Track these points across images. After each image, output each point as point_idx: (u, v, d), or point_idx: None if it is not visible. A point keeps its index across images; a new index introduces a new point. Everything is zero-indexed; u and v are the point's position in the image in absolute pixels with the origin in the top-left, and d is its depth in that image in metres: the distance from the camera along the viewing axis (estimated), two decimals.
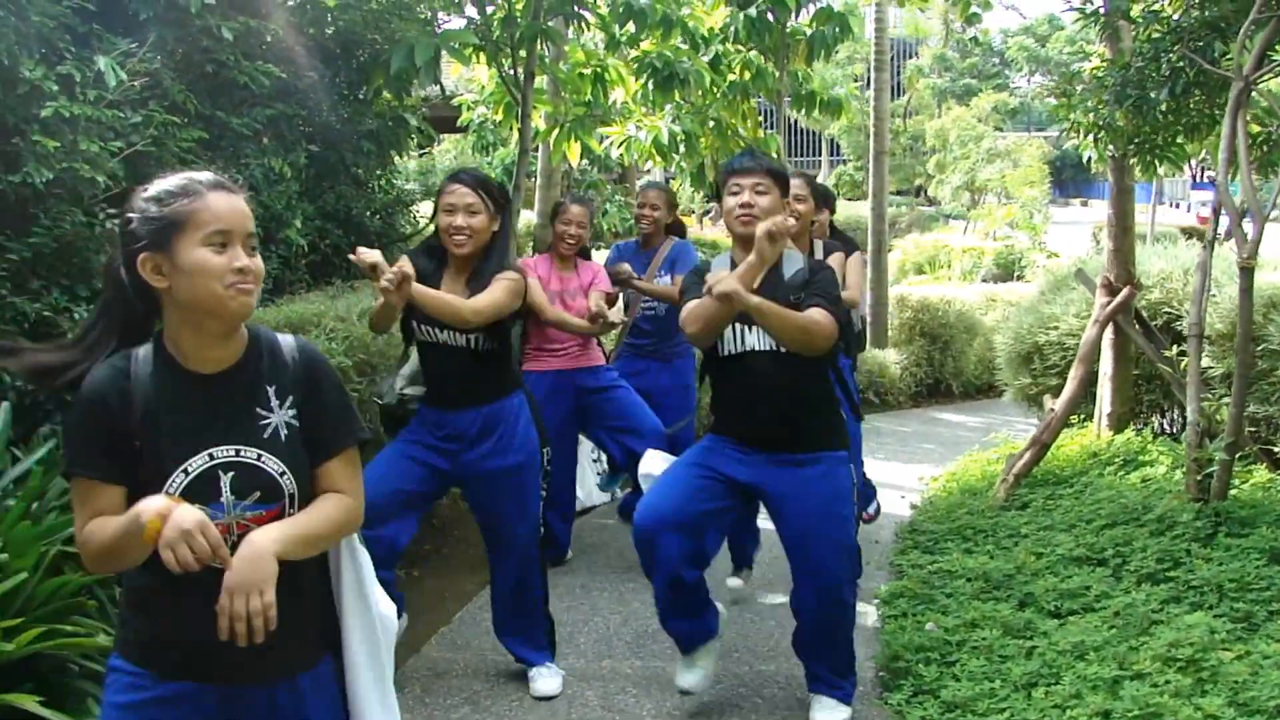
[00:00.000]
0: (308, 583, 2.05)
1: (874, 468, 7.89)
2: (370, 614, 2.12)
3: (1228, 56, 4.70)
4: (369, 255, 3.26)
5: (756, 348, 3.43)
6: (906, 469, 7.94)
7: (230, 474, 1.90)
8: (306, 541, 1.93)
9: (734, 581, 4.92)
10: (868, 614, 4.73)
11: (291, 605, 1.94)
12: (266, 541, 1.85)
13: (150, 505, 1.74)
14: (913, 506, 6.55)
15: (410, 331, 3.78)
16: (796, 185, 4.67)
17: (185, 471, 1.88)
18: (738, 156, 3.61)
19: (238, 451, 1.91)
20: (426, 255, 3.71)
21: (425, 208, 7.85)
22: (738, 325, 3.43)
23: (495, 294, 3.55)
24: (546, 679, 3.91)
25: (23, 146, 3.71)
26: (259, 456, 1.93)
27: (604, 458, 5.73)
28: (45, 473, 3.25)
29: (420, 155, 17.58)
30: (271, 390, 1.98)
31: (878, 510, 6.13)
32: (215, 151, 4.74)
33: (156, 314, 1.96)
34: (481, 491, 3.83)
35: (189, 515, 1.73)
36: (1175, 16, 5.02)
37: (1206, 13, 4.82)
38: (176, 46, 4.69)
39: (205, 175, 1.94)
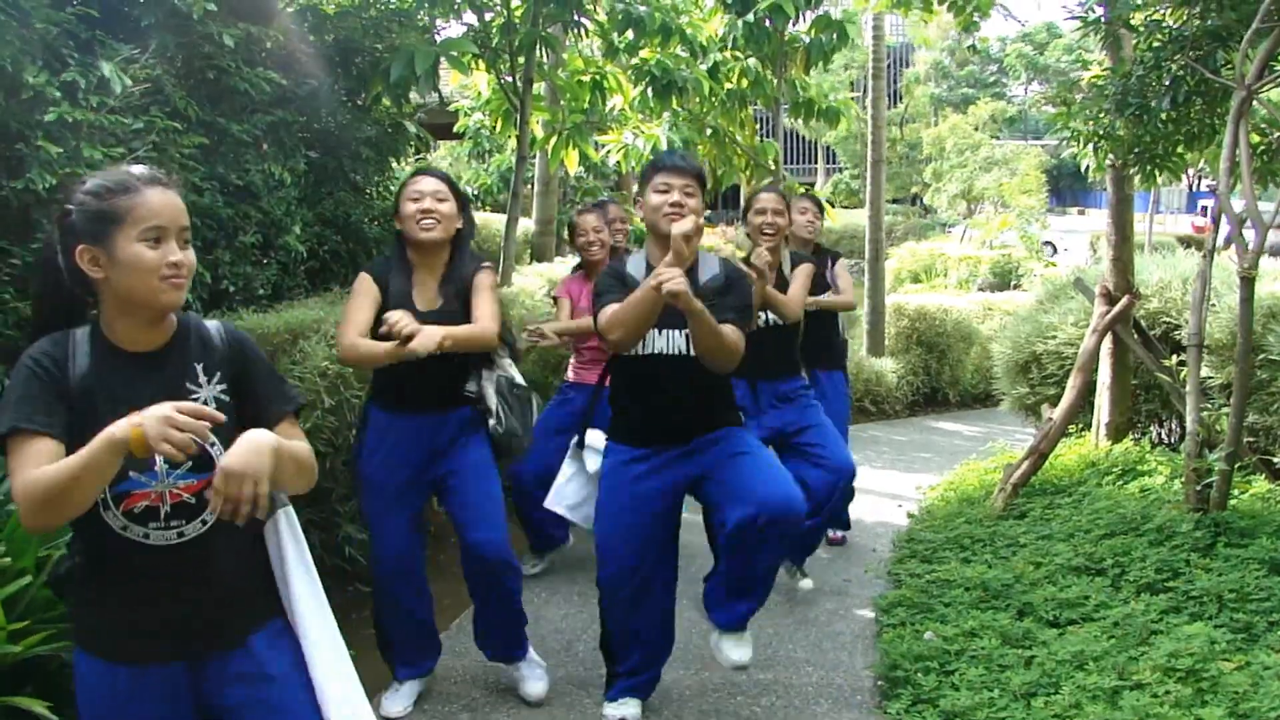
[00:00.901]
0: (250, 556, 2.16)
1: (871, 477, 7.91)
2: (315, 580, 2.19)
3: (1229, 66, 4.71)
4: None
5: (665, 352, 3.42)
6: (904, 478, 7.94)
7: None
8: (293, 456, 2.06)
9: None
10: (866, 622, 4.73)
11: (238, 580, 2.12)
12: (267, 436, 1.95)
13: (117, 425, 1.79)
14: (910, 515, 6.55)
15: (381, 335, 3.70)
16: (773, 200, 4.69)
17: None
18: (668, 153, 3.56)
19: None
20: (391, 267, 3.63)
21: None
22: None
23: (490, 303, 3.58)
24: (535, 681, 3.90)
25: (26, 152, 3.71)
26: None
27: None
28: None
29: (416, 160, 17.57)
30: (199, 367, 2.10)
31: (844, 540, 6.08)
32: (215, 157, 4.73)
33: (93, 299, 2.05)
34: (445, 499, 3.81)
35: (160, 408, 1.80)
36: (1177, 25, 5.03)
37: (1208, 22, 4.83)
38: (178, 53, 4.69)
39: (142, 170, 2.04)
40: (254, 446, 1.92)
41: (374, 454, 3.70)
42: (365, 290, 3.56)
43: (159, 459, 1.97)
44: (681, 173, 3.40)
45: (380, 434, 3.70)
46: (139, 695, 2.05)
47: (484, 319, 3.54)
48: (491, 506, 3.70)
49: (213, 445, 2.01)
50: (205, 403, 2.05)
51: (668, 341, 3.42)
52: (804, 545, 4.95)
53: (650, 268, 3.39)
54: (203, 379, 2.09)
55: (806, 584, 5.06)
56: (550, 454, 4.66)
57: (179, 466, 2.00)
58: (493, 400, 3.73)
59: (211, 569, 2.09)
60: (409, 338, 3.26)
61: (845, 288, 5.51)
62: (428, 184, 3.58)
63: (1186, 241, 17.51)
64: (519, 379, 3.84)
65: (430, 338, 3.28)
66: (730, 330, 3.26)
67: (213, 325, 2.17)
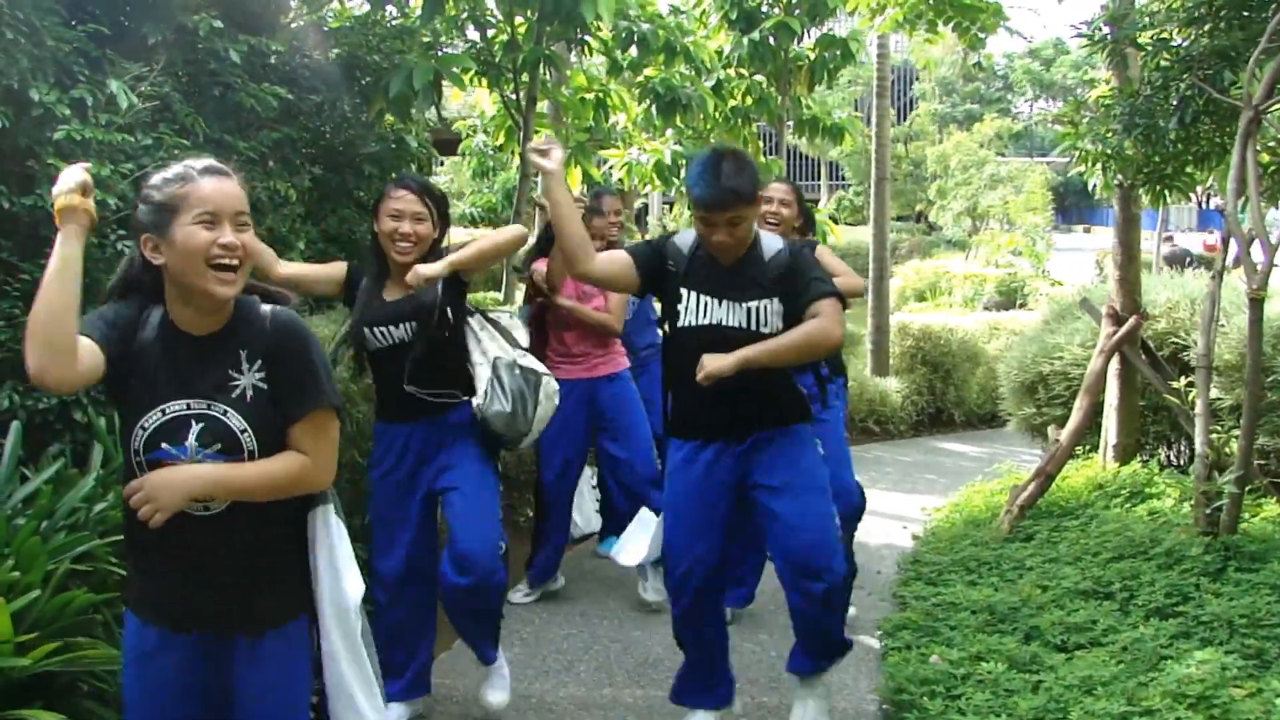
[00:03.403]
0: (278, 545, 2.26)
1: (875, 498, 7.85)
2: (339, 585, 2.29)
3: (1237, 85, 4.69)
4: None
5: (726, 322, 3.31)
6: (908, 499, 7.91)
7: (200, 424, 2.13)
8: (231, 487, 2.13)
9: None
10: (870, 645, 4.69)
11: (258, 564, 2.23)
12: (189, 478, 2.08)
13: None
14: (915, 537, 6.52)
15: (360, 344, 3.68)
16: (782, 190, 4.65)
17: (163, 412, 2.13)
18: (706, 187, 3.35)
19: (209, 405, 2.14)
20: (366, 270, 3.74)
21: None
22: (701, 296, 3.34)
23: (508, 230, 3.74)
24: (497, 690, 3.84)
25: (37, 169, 3.72)
26: (225, 412, 2.14)
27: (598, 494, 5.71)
28: (54, 491, 3.25)
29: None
30: (244, 354, 2.19)
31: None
32: None
33: (159, 285, 2.19)
34: (444, 511, 3.76)
35: (71, 171, 2.01)
36: (1184, 44, 5.02)
37: (1215, 41, 4.82)
38: (185, 70, 4.70)
39: (200, 162, 2.19)
40: (175, 482, 2.06)
41: (377, 466, 3.73)
42: (332, 266, 3.77)
43: (191, 437, 2.11)
44: (724, 207, 3.23)
45: (381, 445, 3.73)
46: (162, 653, 2.21)
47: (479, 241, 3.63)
48: (481, 518, 3.63)
49: (244, 432, 2.14)
50: (244, 390, 2.17)
51: (729, 312, 3.32)
52: None
53: (702, 247, 3.38)
54: (245, 365, 2.19)
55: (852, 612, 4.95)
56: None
57: (209, 446, 2.12)
58: (482, 381, 3.67)
59: (235, 545, 2.19)
60: (427, 278, 3.42)
61: (841, 269, 5.25)
62: (406, 202, 3.56)
63: (1194, 261, 17.46)
64: (526, 362, 3.75)
65: (433, 268, 3.43)
66: (820, 315, 3.17)
67: (265, 311, 2.25)
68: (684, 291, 3.37)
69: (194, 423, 2.12)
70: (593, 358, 5.05)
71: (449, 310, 3.61)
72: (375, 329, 3.59)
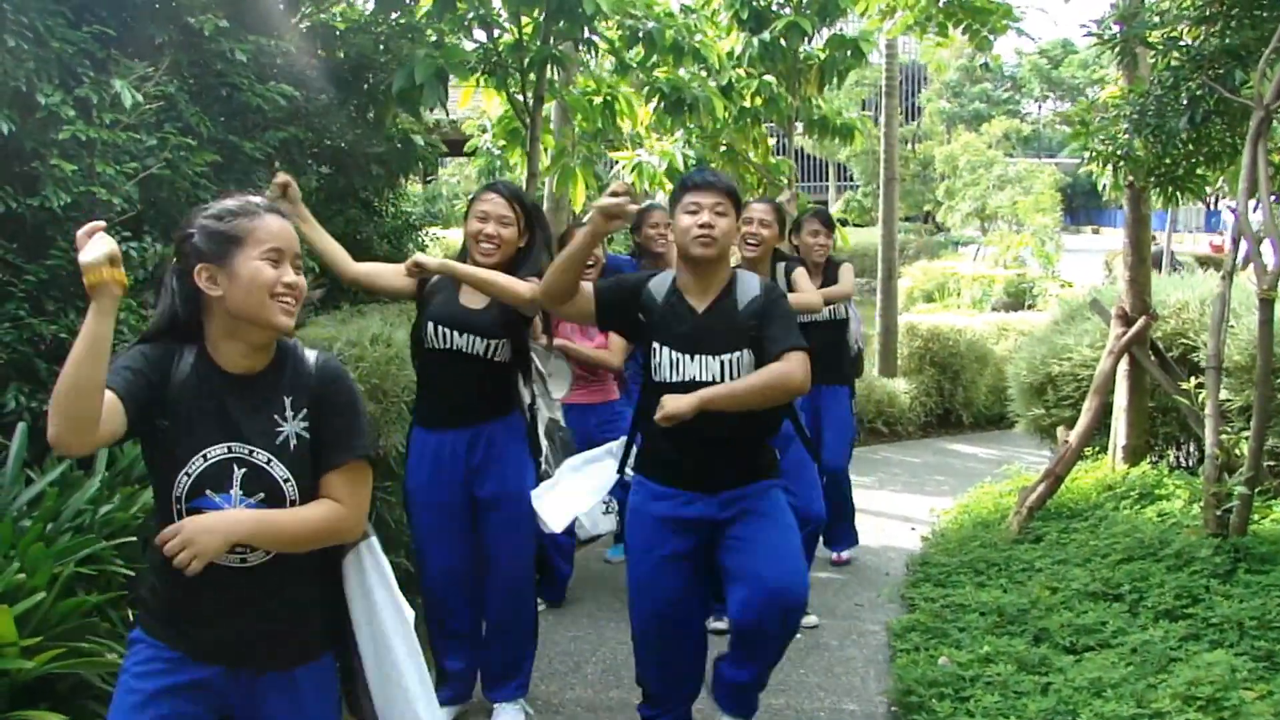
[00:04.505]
0: (308, 581, 2.22)
1: (883, 499, 7.87)
2: (377, 617, 2.26)
3: (1248, 85, 4.66)
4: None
5: (699, 379, 3.18)
6: (917, 500, 7.88)
7: (243, 470, 2.09)
8: (270, 535, 2.08)
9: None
10: (879, 647, 4.68)
11: (289, 602, 2.18)
12: (230, 524, 2.02)
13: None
14: (924, 539, 6.49)
15: (419, 340, 3.72)
16: (763, 210, 4.62)
17: (204, 457, 2.08)
18: (697, 171, 3.40)
19: (251, 451, 2.10)
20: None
21: (431, 232, 7.85)
22: (674, 353, 3.22)
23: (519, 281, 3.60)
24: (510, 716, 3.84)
25: (42, 170, 3.71)
26: (269, 461, 2.11)
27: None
28: (60, 494, 3.26)
29: (428, 182, 17.59)
30: (288, 401, 2.16)
31: (848, 560, 6.04)
32: (228, 175, 4.72)
33: (200, 324, 2.14)
34: (480, 524, 3.79)
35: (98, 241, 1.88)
36: (1195, 44, 4.99)
37: (1226, 40, 4.79)
38: (191, 70, 4.70)
39: (260, 199, 2.18)
40: (216, 528, 1.99)
41: (415, 473, 3.74)
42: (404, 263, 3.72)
43: (235, 484, 2.07)
44: (712, 189, 3.24)
45: (419, 452, 3.74)
46: (177, 672, 2.14)
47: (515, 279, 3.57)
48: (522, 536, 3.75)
49: (286, 481, 2.12)
50: (287, 438, 2.14)
51: (701, 368, 3.19)
52: None
53: (676, 291, 3.29)
54: (289, 413, 2.16)
55: (811, 620, 4.96)
56: None
57: (252, 495, 2.09)
58: (544, 445, 3.79)
59: (273, 596, 2.16)
60: (417, 265, 3.43)
61: (843, 278, 5.43)
62: (494, 205, 3.61)
63: (1204, 261, 17.41)
64: (559, 418, 3.88)
65: (430, 260, 3.45)
66: (786, 361, 3.07)
67: (312, 356, 2.24)
68: (657, 347, 3.26)
69: (236, 468, 2.09)
70: (587, 385, 5.07)
71: (510, 344, 3.65)
72: (439, 327, 3.62)
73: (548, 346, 4.07)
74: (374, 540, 2.30)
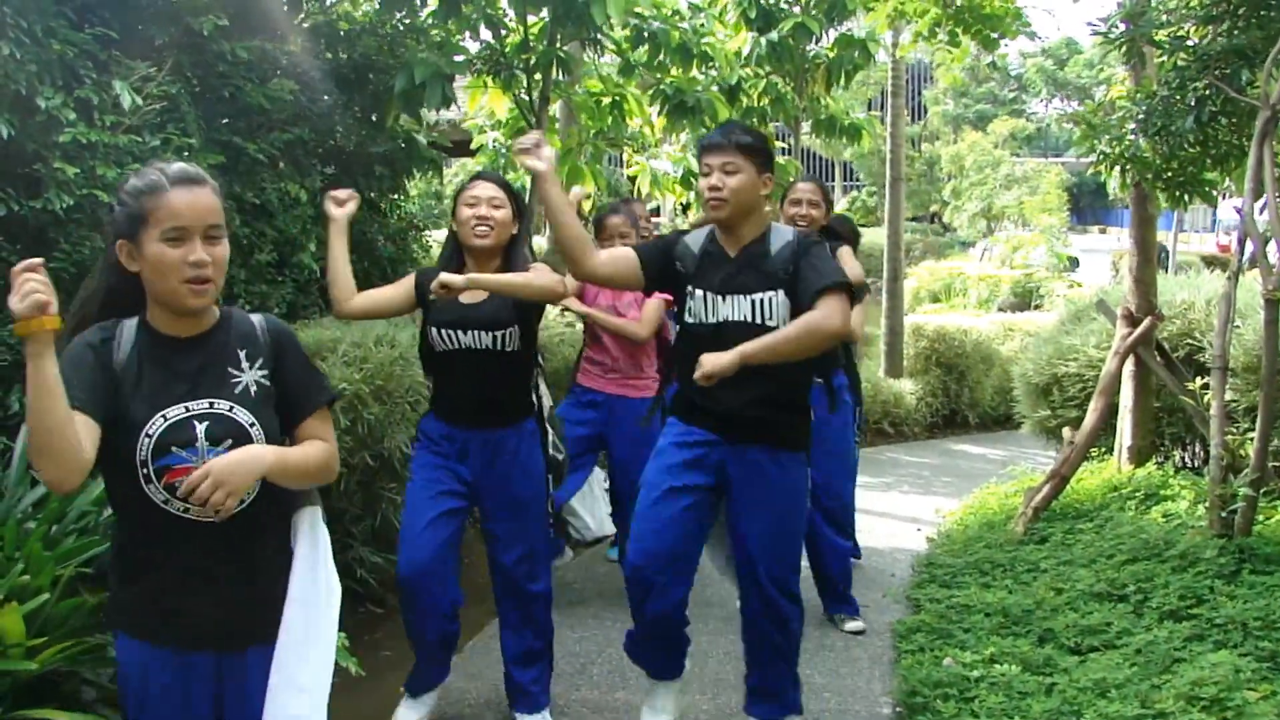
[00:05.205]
0: (271, 551, 2.23)
1: (889, 500, 7.86)
2: (315, 589, 2.23)
3: (1255, 85, 4.65)
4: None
5: (731, 318, 3.26)
6: (922, 501, 7.87)
7: (205, 423, 2.10)
8: (296, 468, 2.15)
9: None
10: (884, 648, 4.67)
11: (258, 570, 2.19)
12: (255, 457, 2.05)
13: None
14: (929, 539, 6.48)
15: (428, 347, 3.69)
16: (809, 190, 4.66)
17: (164, 417, 2.08)
18: (717, 129, 3.40)
19: (211, 404, 2.12)
20: (441, 270, 3.67)
21: (434, 233, 7.85)
22: (708, 294, 3.29)
23: (547, 274, 3.57)
24: None
25: (44, 173, 3.72)
26: (230, 408, 2.13)
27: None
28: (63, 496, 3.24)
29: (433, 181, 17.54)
30: (242, 353, 2.19)
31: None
32: (231, 176, 4.74)
33: (139, 295, 2.15)
34: (483, 517, 3.78)
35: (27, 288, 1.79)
36: (1201, 43, 4.97)
37: (1233, 40, 4.77)
38: (194, 71, 4.71)
39: (173, 168, 2.10)
40: (245, 461, 2.02)
41: (420, 454, 3.72)
42: (402, 283, 3.71)
43: (200, 436, 2.07)
44: (719, 149, 3.26)
45: (429, 439, 3.71)
46: (174, 677, 2.15)
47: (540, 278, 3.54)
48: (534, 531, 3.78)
49: (252, 425, 2.13)
50: (246, 386, 2.17)
51: (733, 308, 3.26)
52: None
53: (714, 240, 3.35)
54: (245, 364, 2.18)
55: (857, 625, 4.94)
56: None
57: (219, 444, 2.09)
58: (549, 429, 3.80)
59: (248, 551, 2.18)
60: (444, 286, 3.35)
61: (852, 266, 5.25)
62: (484, 189, 3.59)
63: (1210, 261, 17.35)
64: (549, 402, 3.87)
65: (455, 278, 3.36)
66: (820, 309, 3.08)
67: (255, 318, 2.27)
68: (691, 289, 3.35)
69: (197, 422, 2.09)
70: (623, 376, 5.00)
71: (518, 331, 3.61)
72: (444, 330, 3.59)
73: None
74: (315, 510, 2.30)
